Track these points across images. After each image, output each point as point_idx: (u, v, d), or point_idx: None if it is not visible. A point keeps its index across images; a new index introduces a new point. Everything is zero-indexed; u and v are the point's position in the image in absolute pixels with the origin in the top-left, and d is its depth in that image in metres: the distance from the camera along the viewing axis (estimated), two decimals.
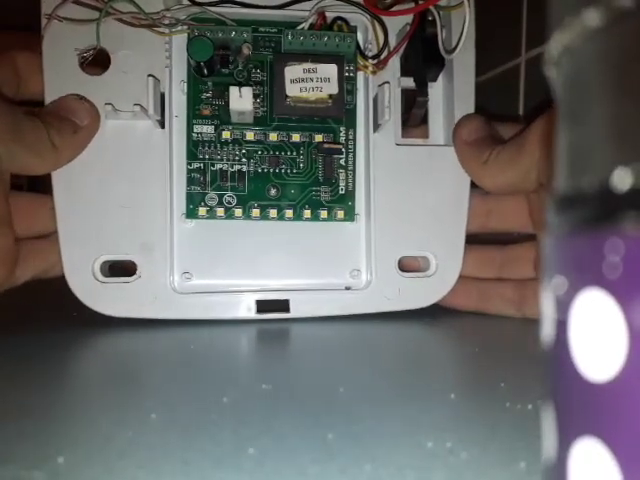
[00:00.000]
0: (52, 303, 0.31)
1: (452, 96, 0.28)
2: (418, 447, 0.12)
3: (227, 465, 0.11)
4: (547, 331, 0.07)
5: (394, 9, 0.25)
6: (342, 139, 0.26)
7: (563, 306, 0.06)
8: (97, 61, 0.25)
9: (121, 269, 0.26)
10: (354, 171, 0.27)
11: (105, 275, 0.25)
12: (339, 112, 0.25)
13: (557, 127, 0.07)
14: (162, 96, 0.25)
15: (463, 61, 0.27)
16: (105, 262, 0.25)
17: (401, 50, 0.28)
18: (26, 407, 0.14)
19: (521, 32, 0.37)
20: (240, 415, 0.13)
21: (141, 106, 0.24)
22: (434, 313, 0.28)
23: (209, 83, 0.25)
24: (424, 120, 0.29)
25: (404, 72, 0.28)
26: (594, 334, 0.06)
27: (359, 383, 0.17)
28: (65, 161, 0.25)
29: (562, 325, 0.06)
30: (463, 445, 0.12)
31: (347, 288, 0.27)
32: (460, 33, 0.23)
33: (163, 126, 0.25)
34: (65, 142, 0.24)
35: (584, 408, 0.06)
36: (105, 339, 0.23)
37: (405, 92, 0.28)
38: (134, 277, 0.25)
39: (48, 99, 0.25)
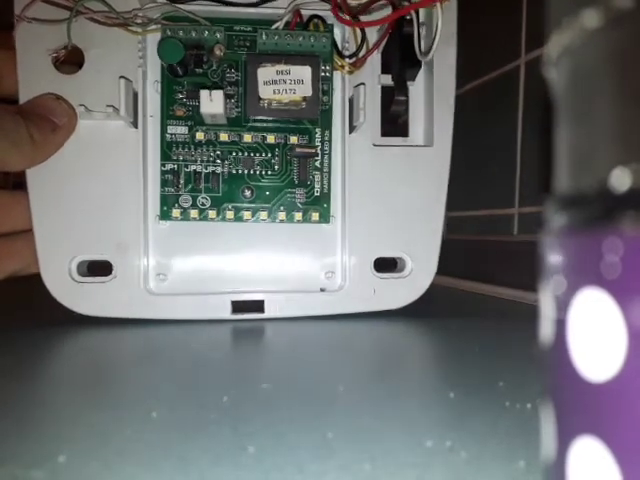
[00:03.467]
0: (29, 301, 0.31)
1: (432, 96, 0.27)
2: (417, 446, 0.12)
3: (227, 463, 0.11)
4: (546, 330, 0.07)
5: (364, 18, 0.25)
6: (318, 140, 0.26)
7: (562, 306, 0.06)
8: (73, 60, 0.25)
9: (101, 266, 0.26)
10: (329, 173, 0.26)
11: (82, 274, 0.26)
12: (313, 114, 0.25)
13: (556, 128, 0.07)
14: (137, 95, 0.25)
15: (444, 61, 0.27)
16: (82, 262, 0.26)
17: (381, 47, 0.27)
18: (25, 406, 0.14)
19: (520, 33, 0.37)
20: (240, 414, 0.13)
21: (114, 107, 0.24)
22: (430, 313, 0.28)
23: (183, 83, 0.25)
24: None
25: (385, 69, 0.28)
26: (593, 334, 0.06)
27: (358, 382, 0.17)
28: (42, 158, 0.25)
29: (561, 324, 0.06)
30: (462, 444, 0.12)
31: (322, 289, 0.27)
32: (434, 34, 0.23)
33: (137, 126, 0.25)
34: (44, 139, 0.24)
35: (583, 407, 0.06)
36: (101, 337, 0.23)
37: (385, 90, 0.28)
38: (110, 277, 0.26)
39: (23, 98, 0.25)
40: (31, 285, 0.26)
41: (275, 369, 0.18)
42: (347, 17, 0.24)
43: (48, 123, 0.24)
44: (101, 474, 0.10)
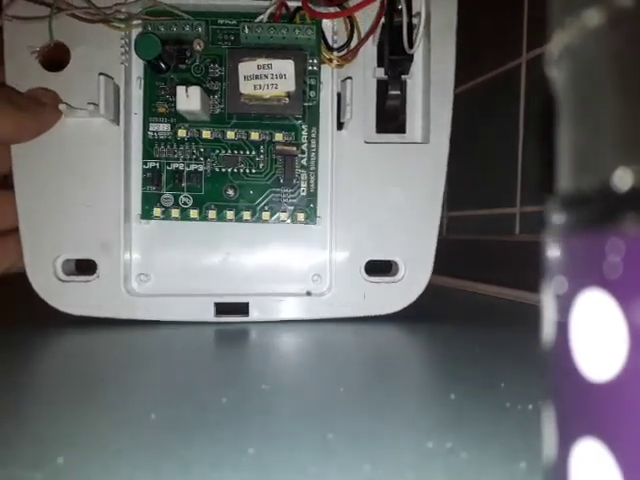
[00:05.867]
0: (16, 301, 0.32)
1: (429, 91, 0.26)
2: (418, 447, 0.11)
3: (226, 465, 0.11)
4: (547, 331, 0.07)
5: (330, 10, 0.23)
6: (304, 138, 0.25)
7: (564, 306, 0.06)
8: (62, 58, 0.25)
9: (90, 265, 0.26)
10: (316, 171, 0.25)
11: (67, 273, 0.25)
12: (296, 110, 0.24)
13: (558, 127, 0.07)
14: (119, 92, 0.25)
15: (442, 54, 0.25)
16: (67, 260, 0.25)
17: (376, 38, 0.26)
18: (24, 408, 0.14)
19: (522, 32, 0.37)
20: (239, 415, 0.13)
21: (94, 104, 0.24)
22: (430, 313, 0.27)
23: (166, 80, 0.25)
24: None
25: (381, 62, 0.27)
26: (594, 334, 0.06)
27: (358, 383, 0.17)
28: (30, 125, 0.24)
29: (562, 325, 0.06)
30: (463, 445, 0.12)
31: (308, 293, 0.26)
32: (416, 25, 0.21)
33: (119, 123, 0.25)
34: (27, 105, 0.23)
35: (584, 408, 0.06)
36: (95, 337, 0.23)
37: (381, 83, 0.27)
38: (93, 277, 0.25)
39: None
40: (16, 284, 0.26)
41: (273, 370, 0.18)
42: (322, 9, 0.23)
43: (33, 98, 0.24)
44: (100, 475, 0.10)
